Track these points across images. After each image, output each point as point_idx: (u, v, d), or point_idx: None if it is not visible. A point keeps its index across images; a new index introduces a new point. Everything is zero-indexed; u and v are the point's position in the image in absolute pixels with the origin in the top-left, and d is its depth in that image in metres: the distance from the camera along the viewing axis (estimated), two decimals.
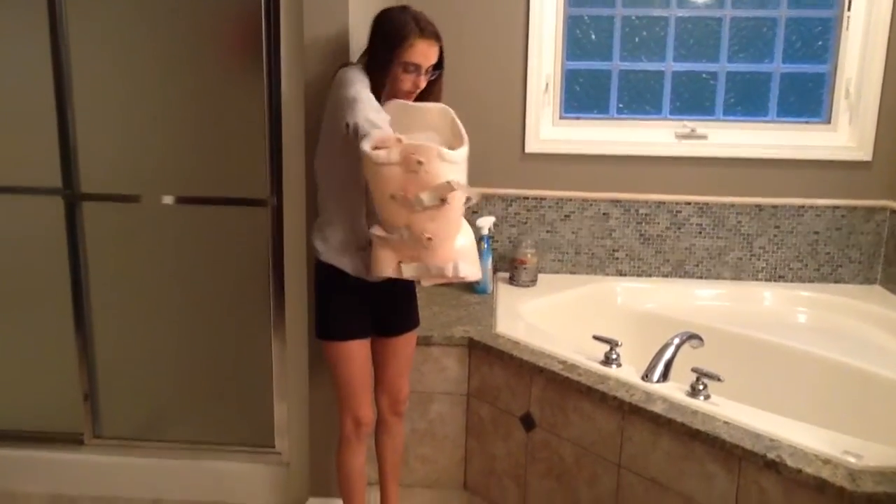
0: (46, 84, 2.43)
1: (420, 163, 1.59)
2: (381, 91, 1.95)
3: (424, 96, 2.04)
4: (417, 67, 1.94)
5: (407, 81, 1.96)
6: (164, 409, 2.66)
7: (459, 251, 1.78)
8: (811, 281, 3.12)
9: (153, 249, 2.55)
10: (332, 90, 1.95)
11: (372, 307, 2.14)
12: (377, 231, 1.77)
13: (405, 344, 2.25)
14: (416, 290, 2.26)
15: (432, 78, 2.00)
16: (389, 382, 2.26)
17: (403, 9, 2.00)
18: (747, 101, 3.09)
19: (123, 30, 2.41)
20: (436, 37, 1.97)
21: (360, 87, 1.85)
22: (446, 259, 1.75)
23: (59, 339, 2.59)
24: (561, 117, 3.14)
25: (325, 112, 2.01)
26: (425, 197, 1.62)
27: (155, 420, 2.66)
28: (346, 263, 2.04)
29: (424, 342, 2.46)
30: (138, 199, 2.49)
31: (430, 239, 1.69)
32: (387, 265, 1.79)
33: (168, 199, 2.49)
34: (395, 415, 2.31)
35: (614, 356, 2.25)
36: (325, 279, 2.09)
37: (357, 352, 2.10)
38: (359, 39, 2.28)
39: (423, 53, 1.94)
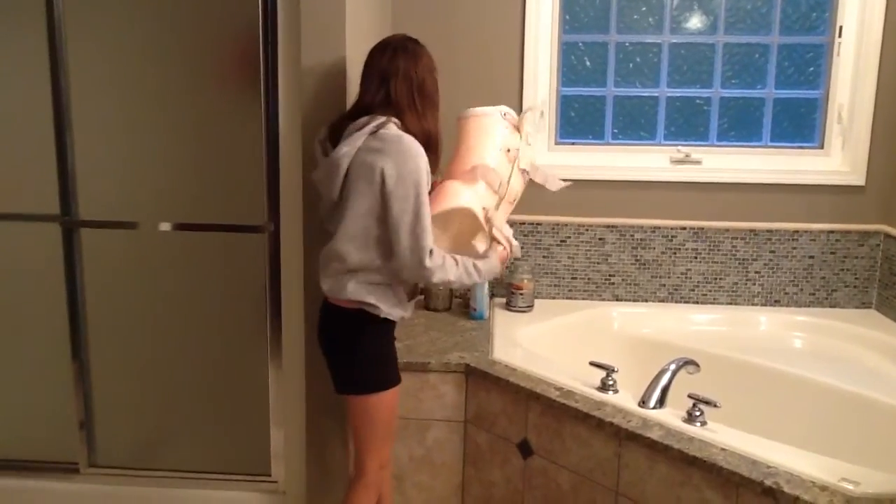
0: (45, 111, 2.44)
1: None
2: (426, 122, 2.00)
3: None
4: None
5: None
6: (161, 437, 2.65)
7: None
8: (807, 305, 3.12)
9: (150, 276, 2.55)
10: (401, 170, 1.88)
11: None
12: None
13: None
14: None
15: None
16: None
17: (415, 41, 2.06)
18: (741, 126, 3.11)
19: (123, 57, 2.43)
20: None
21: (425, 195, 1.90)
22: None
23: (54, 367, 2.59)
24: (556, 143, 3.16)
25: (392, 181, 1.89)
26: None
27: (151, 448, 2.65)
28: (398, 312, 2.05)
29: (421, 368, 2.46)
30: (136, 226, 2.50)
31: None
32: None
33: (165, 226, 2.49)
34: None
35: (611, 382, 2.25)
36: (379, 333, 2.06)
37: (397, 396, 2.13)
38: (356, 64, 2.31)
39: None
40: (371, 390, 2.05)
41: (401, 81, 1.97)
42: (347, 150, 1.92)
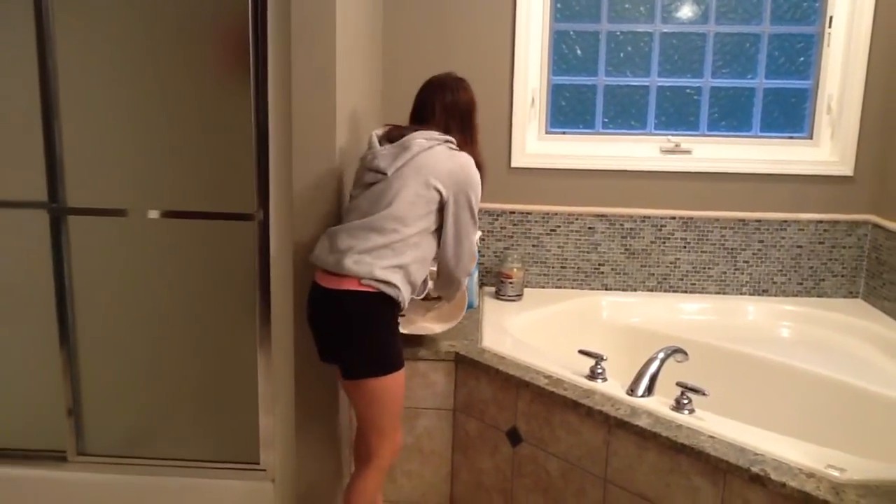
0: (33, 97, 2.42)
1: None
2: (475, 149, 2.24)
3: None
4: None
5: None
6: (149, 424, 2.64)
7: None
8: (795, 295, 3.14)
9: (139, 264, 2.53)
10: (464, 181, 2.10)
11: None
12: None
13: None
14: None
15: None
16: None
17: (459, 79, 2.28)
18: (731, 116, 3.12)
19: (111, 43, 2.41)
20: None
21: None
22: None
23: (42, 355, 2.57)
24: (547, 132, 3.16)
25: (446, 178, 2.09)
26: None
27: (140, 436, 2.64)
28: (408, 300, 2.13)
29: (412, 357, 2.46)
30: (124, 214, 2.48)
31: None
32: None
33: (154, 214, 2.48)
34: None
35: (600, 370, 2.26)
36: (387, 314, 2.09)
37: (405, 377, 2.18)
38: (345, 55, 2.30)
39: None
40: (391, 370, 2.07)
41: (459, 114, 2.22)
42: (423, 142, 2.10)
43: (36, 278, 2.53)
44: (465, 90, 2.23)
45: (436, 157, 2.08)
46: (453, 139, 2.15)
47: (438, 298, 2.69)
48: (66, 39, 2.40)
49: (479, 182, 2.13)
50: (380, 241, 2.03)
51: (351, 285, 2.02)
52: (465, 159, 2.11)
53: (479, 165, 2.16)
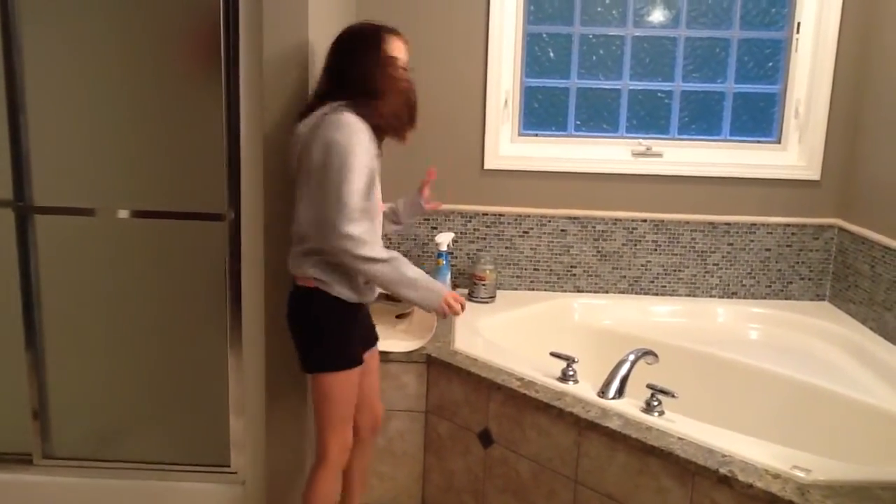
0: None
1: None
2: (380, 103, 1.97)
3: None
4: (405, 64, 2.03)
5: (405, 76, 2.01)
6: (117, 427, 2.61)
7: None
8: (763, 297, 3.18)
9: (107, 264, 2.50)
10: (332, 146, 1.89)
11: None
12: None
13: (374, 358, 2.28)
14: None
15: None
16: (368, 399, 2.27)
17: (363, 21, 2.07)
18: (701, 119, 3.15)
19: (80, 39, 2.37)
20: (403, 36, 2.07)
21: (359, 161, 1.88)
22: None
23: (8, 356, 2.53)
24: (520, 134, 3.17)
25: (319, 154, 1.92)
26: None
27: (107, 439, 2.61)
28: (350, 294, 2.03)
29: (384, 358, 2.45)
30: (93, 213, 2.45)
31: None
32: None
33: (123, 213, 2.45)
34: (373, 433, 2.33)
35: (571, 372, 2.27)
36: (326, 310, 2.04)
37: (354, 379, 2.10)
38: (318, 53, 2.29)
39: (399, 48, 2.03)
40: (328, 369, 2.04)
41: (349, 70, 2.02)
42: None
43: (1, 278, 2.49)
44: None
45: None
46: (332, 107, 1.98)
47: (406, 315, 2.70)
48: (32, 34, 2.36)
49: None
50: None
51: (302, 280, 2.05)
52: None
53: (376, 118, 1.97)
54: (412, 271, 1.98)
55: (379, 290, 2.12)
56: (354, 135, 1.89)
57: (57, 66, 2.39)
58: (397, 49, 2.02)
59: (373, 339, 2.27)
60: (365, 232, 1.88)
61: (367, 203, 1.92)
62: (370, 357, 2.23)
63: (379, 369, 2.32)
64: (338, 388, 2.06)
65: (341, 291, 2.01)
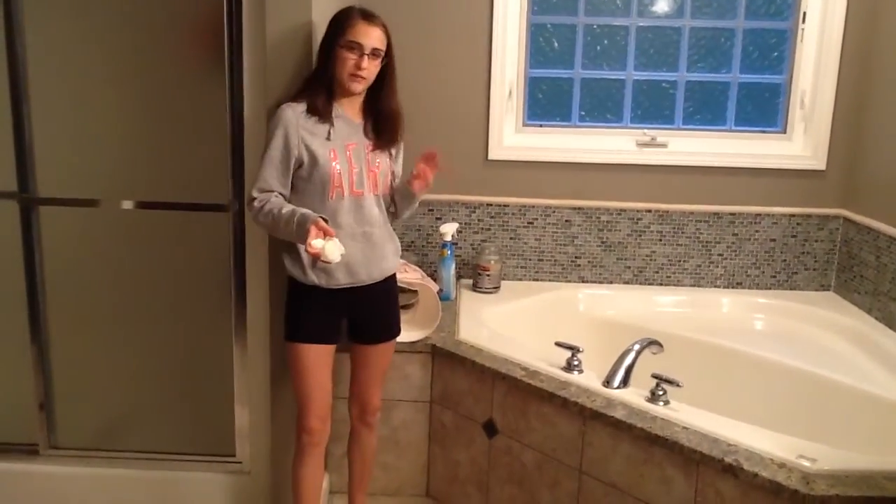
0: (2, 84, 2.37)
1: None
2: (332, 84, 2.06)
3: (376, 90, 2.12)
4: (360, 46, 2.01)
5: (349, 61, 2.02)
6: (123, 417, 2.61)
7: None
8: (768, 287, 3.18)
9: (112, 255, 2.50)
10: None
11: (348, 315, 2.20)
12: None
13: (377, 354, 2.26)
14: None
15: (376, 63, 2.06)
16: (359, 391, 2.28)
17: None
18: (706, 109, 3.14)
19: (82, 30, 2.37)
20: (377, 20, 2.06)
21: (274, 142, 2.03)
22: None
23: (13, 347, 2.54)
24: (524, 124, 3.16)
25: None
26: None
27: (113, 429, 2.61)
28: (298, 273, 2.11)
29: None
30: (97, 204, 2.45)
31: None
32: None
33: (128, 204, 2.45)
34: (364, 425, 2.32)
35: (576, 362, 2.27)
36: (292, 286, 2.16)
37: (312, 357, 2.13)
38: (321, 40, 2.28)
39: (364, 32, 2.02)
40: (285, 336, 2.16)
41: None
42: None
43: (6, 270, 2.49)
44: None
45: None
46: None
47: (410, 305, 2.70)
48: (35, 25, 2.35)
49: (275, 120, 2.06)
50: None
51: None
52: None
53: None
54: (284, 215, 1.98)
55: (346, 277, 2.10)
56: (274, 121, 2.06)
57: (60, 57, 2.38)
58: (360, 34, 2.01)
59: (377, 333, 2.25)
60: (259, 192, 2.05)
61: (282, 177, 2.06)
62: (369, 351, 2.24)
63: (380, 367, 2.29)
64: (292, 359, 2.15)
65: (291, 270, 2.12)
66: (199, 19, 2.34)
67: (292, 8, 2.21)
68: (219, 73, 2.32)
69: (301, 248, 2.05)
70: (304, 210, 1.97)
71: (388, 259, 2.19)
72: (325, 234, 1.88)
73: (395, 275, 2.27)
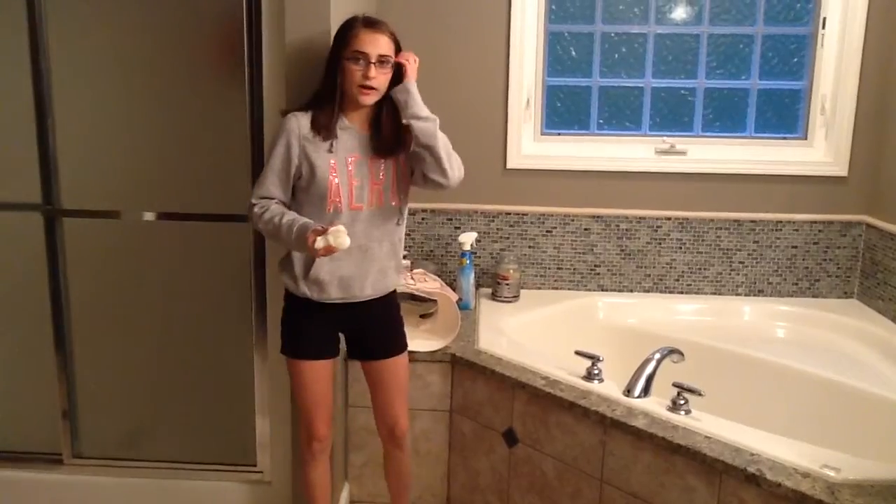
0: (26, 98, 2.41)
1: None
2: (341, 97, 2.04)
3: (382, 100, 2.07)
4: (364, 56, 1.98)
5: (356, 73, 1.99)
6: (145, 427, 2.63)
7: None
8: (790, 295, 3.15)
9: (134, 266, 2.53)
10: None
11: (345, 331, 2.20)
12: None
13: (386, 371, 2.21)
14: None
15: (385, 71, 2.02)
16: (382, 412, 2.25)
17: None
18: (725, 116, 3.13)
19: (105, 44, 2.40)
20: (381, 26, 2.02)
21: (276, 150, 2.04)
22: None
23: (37, 357, 2.57)
24: (542, 133, 3.16)
25: None
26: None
27: (135, 438, 2.64)
28: (291, 284, 2.11)
29: (408, 358, 2.45)
30: (119, 216, 2.48)
31: None
32: None
33: (149, 216, 2.48)
34: (395, 446, 2.29)
35: (596, 371, 2.26)
36: (287, 298, 2.17)
37: (308, 373, 2.13)
38: None
39: (368, 41, 1.98)
40: (281, 350, 2.18)
41: None
42: None
43: (30, 280, 2.53)
44: None
45: None
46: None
47: (429, 315, 2.70)
48: (58, 40, 2.39)
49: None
50: None
51: None
52: None
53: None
54: (284, 224, 1.97)
55: (339, 292, 2.08)
56: (278, 130, 2.06)
57: (83, 71, 2.42)
58: (364, 43, 1.98)
59: (382, 349, 2.21)
60: (258, 198, 2.05)
61: (283, 184, 2.05)
62: (379, 368, 2.20)
63: (395, 385, 2.23)
64: (290, 372, 2.17)
65: (286, 282, 2.12)
66: (219, 31, 2.37)
67: (310, 19, 2.22)
68: (238, 85, 2.34)
69: (295, 257, 2.07)
70: (304, 220, 1.96)
71: (387, 276, 2.14)
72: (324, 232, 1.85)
73: (394, 291, 2.22)
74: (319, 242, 1.83)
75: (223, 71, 2.39)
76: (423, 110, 2.04)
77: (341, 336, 2.22)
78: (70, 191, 2.48)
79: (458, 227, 3.14)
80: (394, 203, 2.11)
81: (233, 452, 2.60)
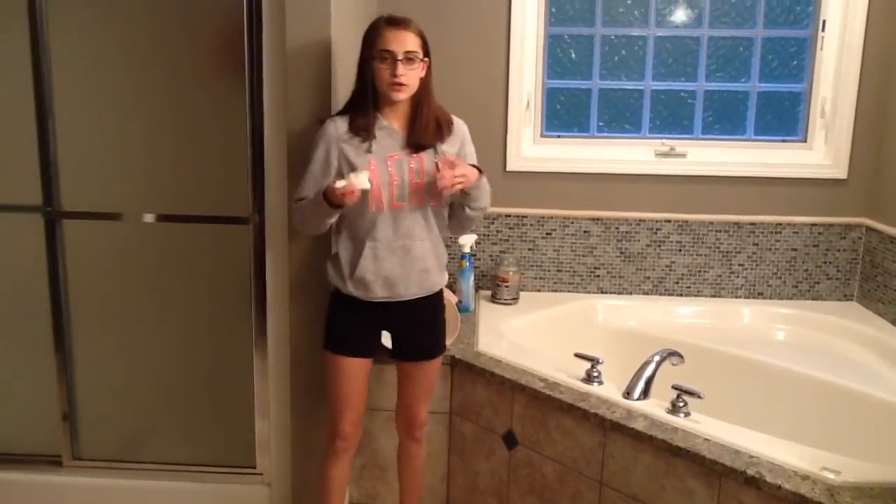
0: (27, 100, 2.41)
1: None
2: (375, 97, 2.06)
3: (415, 96, 2.08)
4: (391, 54, 1.99)
5: (384, 71, 2.01)
6: (145, 429, 2.63)
7: None
8: (789, 298, 3.15)
9: (134, 268, 2.53)
10: None
11: (393, 330, 2.21)
12: None
13: (422, 371, 2.25)
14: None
15: (414, 67, 2.02)
16: (405, 406, 2.29)
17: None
18: (725, 119, 3.13)
19: (105, 46, 2.41)
20: (406, 24, 2.04)
21: (315, 154, 2.10)
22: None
23: (37, 359, 2.57)
24: (542, 135, 3.17)
25: None
26: None
27: (135, 441, 2.64)
28: (337, 280, 2.14)
29: None
30: (119, 217, 2.48)
31: None
32: None
33: (149, 218, 2.48)
34: (412, 439, 2.34)
35: (595, 374, 2.26)
36: (334, 296, 2.20)
37: (344, 368, 2.15)
38: (341, 58, 2.30)
39: (393, 39, 2.00)
40: (323, 345, 2.20)
41: None
42: None
43: (31, 282, 2.53)
44: None
45: None
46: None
47: None
48: (59, 42, 2.39)
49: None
50: None
51: None
52: None
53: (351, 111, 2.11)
54: (310, 203, 2.07)
55: (384, 291, 2.11)
56: (320, 132, 2.12)
57: (84, 73, 2.42)
58: (390, 41, 1.99)
59: (420, 351, 2.23)
60: (297, 202, 2.14)
61: (320, 187, 2.07)
62: (413, 368, 2.23)
63: (426, 383, 2.27)
64: (327, 366, 2.18)
65: (333, 279, 2.16)
66: (219, 35, 2.37)
67: (311, 23, 2.23)
68: (239, 88, 2.35)
69: (342, 256, 2.12)
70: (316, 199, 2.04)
71: (431, 274, 2.17)
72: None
73: (440, 291, 2.24)
74: (339, 183, 1.92)
75: (224, 73, 2.39)
76: (487, 200, 2.19)
77: (387, 335, 2.24)
78: (70, 192, 2.48)
79: None
80: (433, 202, 2.14)
81: (232, 454, 2.60)
